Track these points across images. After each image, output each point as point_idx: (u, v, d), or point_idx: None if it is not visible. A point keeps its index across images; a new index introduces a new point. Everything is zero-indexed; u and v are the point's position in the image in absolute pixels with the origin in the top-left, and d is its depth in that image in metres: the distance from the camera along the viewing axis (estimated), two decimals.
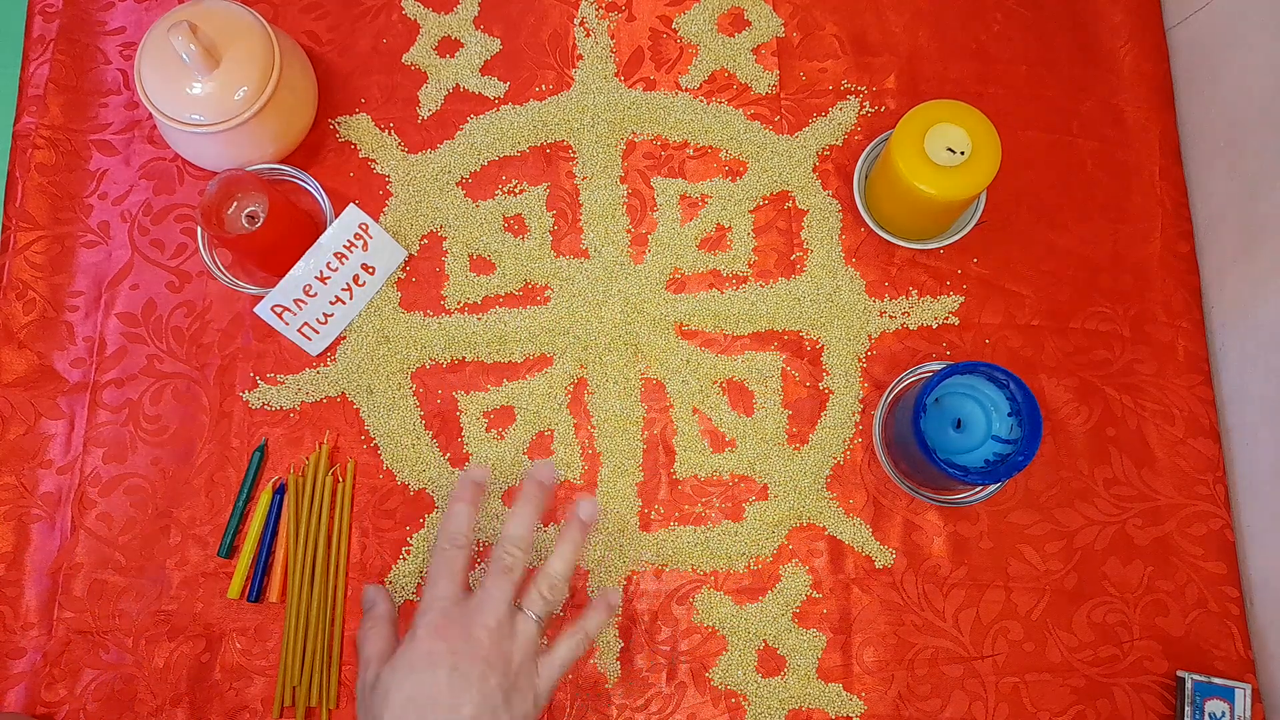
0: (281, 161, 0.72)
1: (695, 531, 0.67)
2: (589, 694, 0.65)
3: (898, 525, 0.67)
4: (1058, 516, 0.67)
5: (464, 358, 0.70)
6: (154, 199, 0.73)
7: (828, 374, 0.69)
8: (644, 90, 0.74)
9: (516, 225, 0.73)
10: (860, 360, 0.69)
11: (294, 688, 0.64)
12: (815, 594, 0.66)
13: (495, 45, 0.75)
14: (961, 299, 0.70)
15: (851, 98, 0.74)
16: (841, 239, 0.72)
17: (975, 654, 0.65)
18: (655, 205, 0.72)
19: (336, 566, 0.66)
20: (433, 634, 0.53)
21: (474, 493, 0.59)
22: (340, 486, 0.68)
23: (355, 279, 0.69)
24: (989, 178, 0.62)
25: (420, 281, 0.72)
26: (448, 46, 0.76)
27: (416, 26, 0.76)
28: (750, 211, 0.72)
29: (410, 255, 0.72)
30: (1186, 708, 0.63)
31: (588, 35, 0.75)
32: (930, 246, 0.71)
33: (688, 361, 0.70)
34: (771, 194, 0.73)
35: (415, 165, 0.73)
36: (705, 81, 0.75)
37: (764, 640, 0.66)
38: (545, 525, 0.68)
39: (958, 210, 0.68)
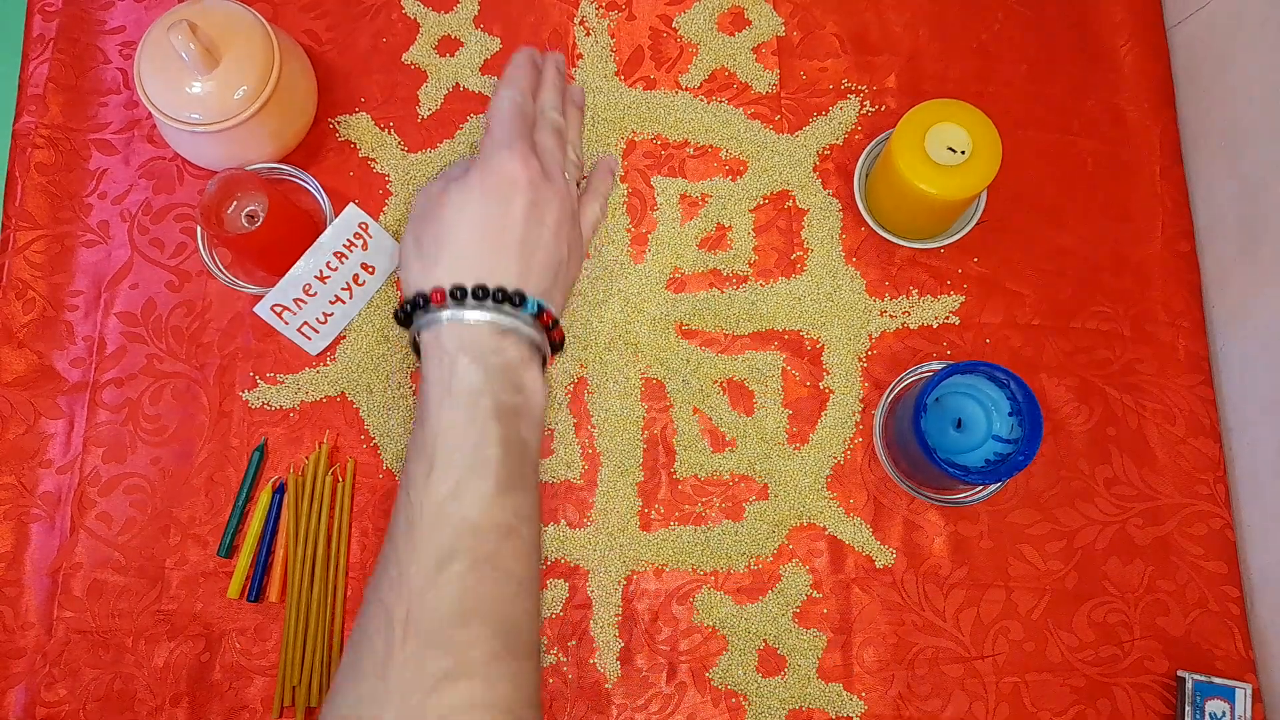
0: (281, 161, 0.71)
1: (695, 531, 0.67)
2: (589, 694, 0.65)
3: (898, 525, 0.67)
4: (1058, 516, 0.67)
5: None
6: (154, 198, 0.73)
7: (828, 373, 0.69)
8: (644, 89, 0.74)
9: None
10: (860, 360, 0.69)
11: (294, 687, 0.64)
12: (815, 594, 0.66)
13: (495, 44, 0.75)
14: (962, 298, 0.70)
15: (852, 97, 0.74)
16: (842, 238, 0.72)
17: (976, 654, 0.65)
18: (655, 204, 0.72)
19: (336, 566, 0.66)
20: (514, 159, 0.49)
21: (532, 67, 0.57)
22: (340, 486, 0.68)
23: (355, 278, 0.69)
24: (989, 177, 0.62)
25: None
26: (448, 45, 0.76)
27: (416, 25, 0.76)
28: (750, 211, 0.72)
29: None
30: (1187, 708, 0.63)
31: (588, 34, 0.75)
32: (931, 246, 0.71)
33: (688, 361, 0.69)
34: (772, 193, 0.73)
35: (415, 164, 0.73)
36: (705, 80, 0.74)
37: (764, 640, 0.66)
38: (545, 524, 0.68)
39: (958, 210, 0.68)
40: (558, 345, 0.49)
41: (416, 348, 0.48)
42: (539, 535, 0.45)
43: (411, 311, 0.48)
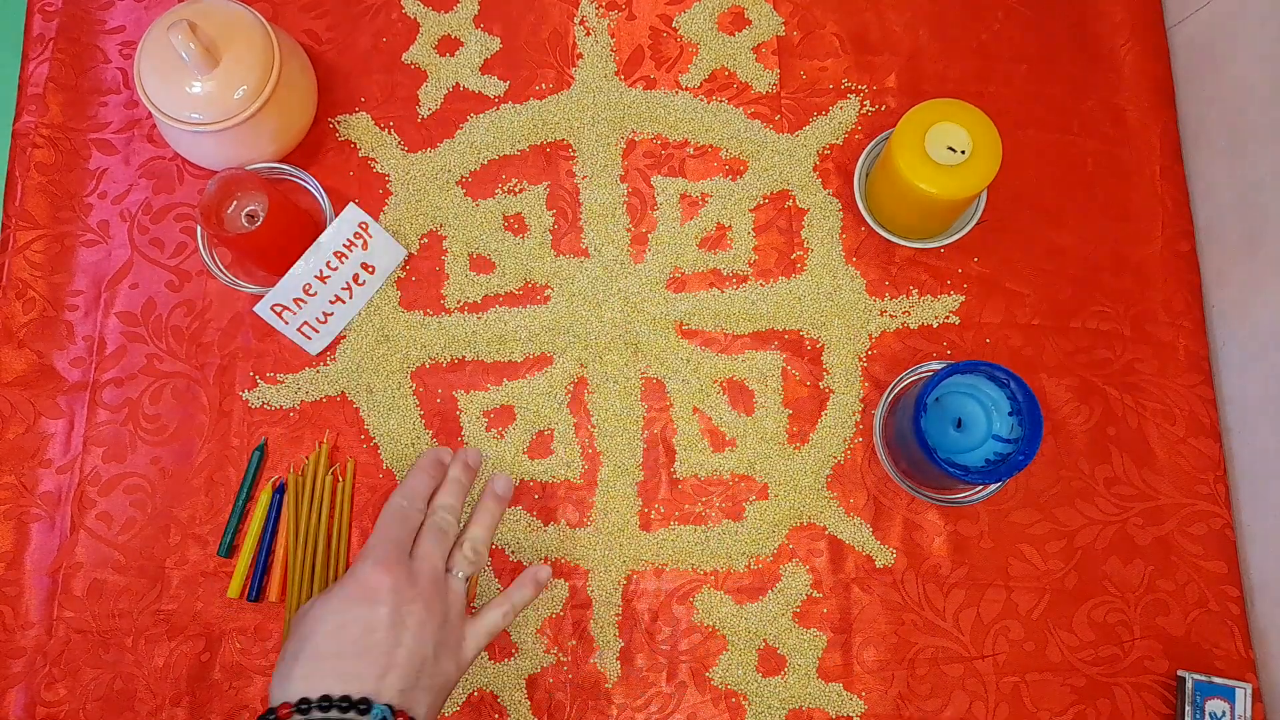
0: (281, 160, 0.71)
1: (695, 531, 0.67)
2: (589, 694, 0.65)
3: (898, 525, 0.67)
4: (1058, 516, 0.67)
5: (464, 357, 0.70)
6: (153, 198, 0.73)
7: (828, 373, 0.69)
8: (644, 89, 0.74)
9: (516, 224, 0.73)
10: (861, 359, 0.69)
11: None
12: (815, 593, 0.66)
13: (495, 44, 0.75)
14: (962, 298, 0.70)
15: (852, 96, 0.74)
16: (842, 238, 0.72)
17: (976, 654, 0.65)
18: (655, 204, 0.72)
19: (336, 566, 0.66)
20: (377, 569, 0.52)
21: (436, 469, 0.59)
22: (340, 486, 0.68)
23: (355, 278, 0.69)
24: (989, 177, 0.62)
25: (420, 280, 0.72)
26: (448, 45, 0.76)
27: (416, 25, 0.76)
28: (750, 210, 0.72)
29: (410, 254, 0.72)
30: (1187, 707, 0.63)
31: (588, 34, 0.75)
32: (931, 245, 0.71)
33: (688, 361, 0.69)
34: (772, 193, 0.73)
35: (415, 164, 0.73)
36: (705, 80, 0.74)
37: (764, 640, 0.66)
38: (545, 524, 0.68)
39: (958, 209, 0.68)
40: None
41: None
42: None
43: None
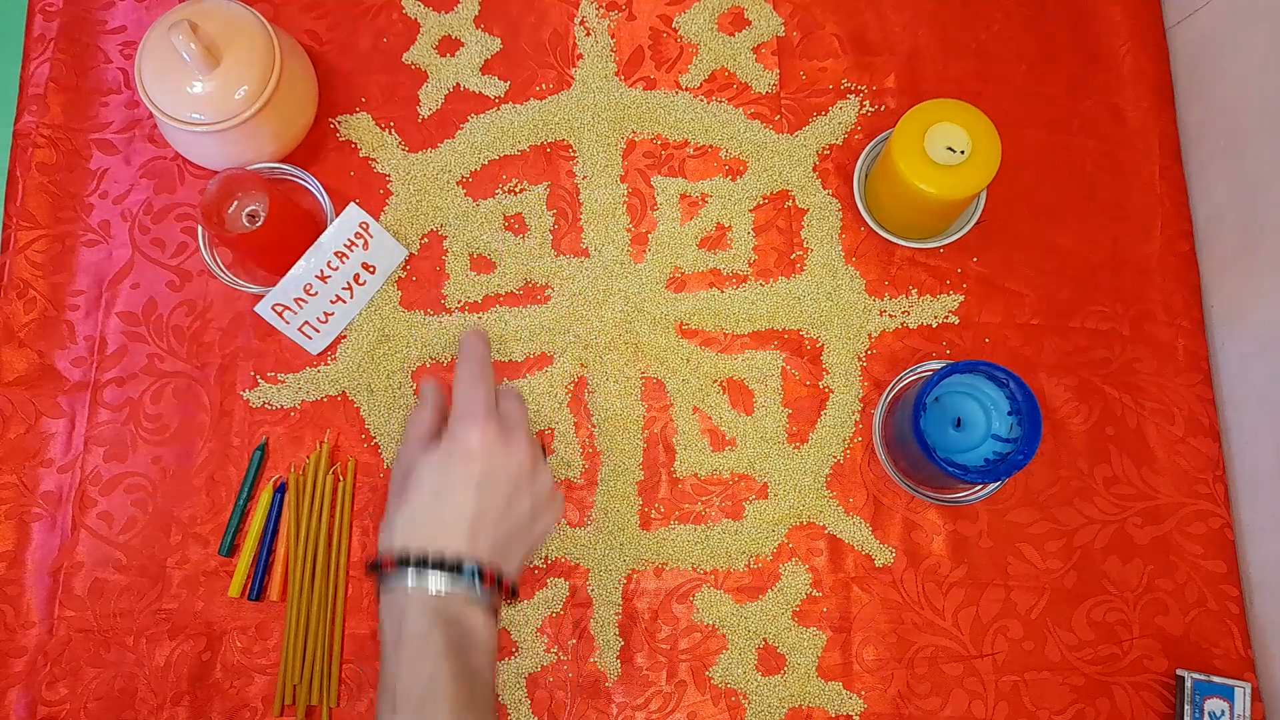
0: (282, 160, 0.72)
1: (695, 530, 0.67)
2: (589, 693, 0.65)
3: (897, 524, 0.67)
4: (1057, 515, 0.67)
5: None
6: (155, 198, 0.73)
7: (828, 373, 0.69)
8: (644, 89, 0.74)
9: (517, 224, 0.73)
10: (860, 359, 0.70)
11: (294, 686, 0.64)
12: (815, 592, 0.66)
13: (495, 44, 0.75)
14: (961, 298, 0.70)
15: (851, 97, 0.74)
16: (841, 238, 0.72)
17: (975, 653, 0.65)
18: (655, 204, 0.73)
19: (337, 565, 0.66)
20: (471, 428, 0.56)
21: (480, 339, 0.63)
22: (341, 485, 0.68)
23: (356, 278, 0.69)
24: (989, 177, 0.62)
25: (421, 280, 0.72)
26: (448, 46, 0.76)
27: (417, 25, 0.76)
28: (750, 210, 0.72)
29: (411, 254, 0.72)
30: (1186, 706, 0.63)
31: (588, 34, 0.75)
32: (930, 245, 0.71)
33: (688, 360, 0.70)
34: (771, 193, 0.73)
35: (416, 164, 0.73)
36: (705, 81, 0.75)
37: (764, 639, 0.66)
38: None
39: (958, 209, 0.68)
40: (511, 595, 0.56)
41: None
42: None
43: (372, 571, 0.55)
